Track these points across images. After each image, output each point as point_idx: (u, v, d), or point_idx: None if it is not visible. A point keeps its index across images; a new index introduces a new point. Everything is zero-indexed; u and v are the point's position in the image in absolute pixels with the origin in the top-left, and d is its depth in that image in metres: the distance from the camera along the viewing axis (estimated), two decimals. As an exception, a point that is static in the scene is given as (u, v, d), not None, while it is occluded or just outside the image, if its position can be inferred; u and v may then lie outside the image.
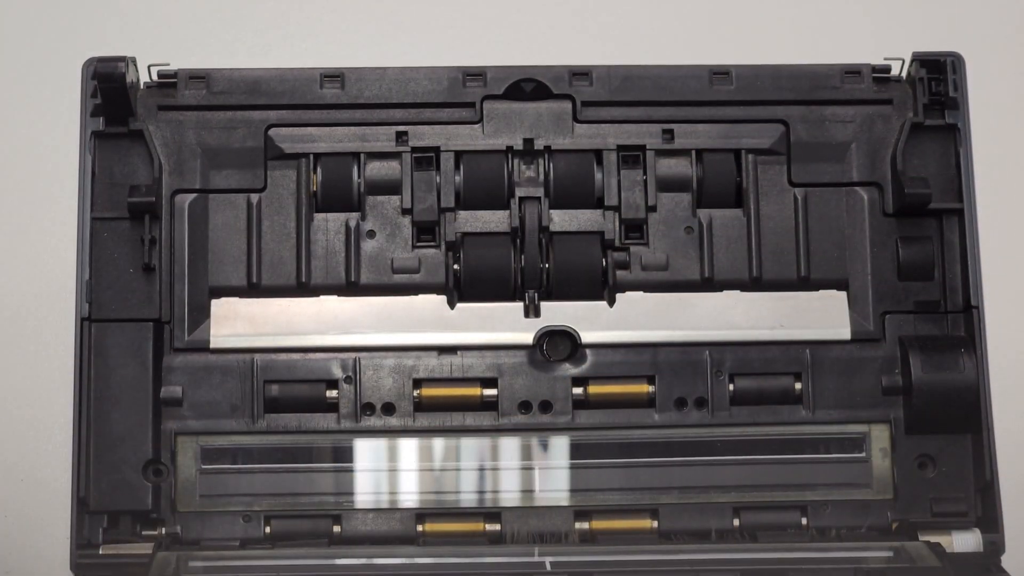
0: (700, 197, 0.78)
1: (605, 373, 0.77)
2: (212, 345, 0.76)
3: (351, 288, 0.77)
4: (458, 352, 0.77)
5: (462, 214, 0.78)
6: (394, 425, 0.77)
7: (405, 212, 0.78)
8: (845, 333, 0.77)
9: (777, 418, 0.77)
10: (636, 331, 0.77)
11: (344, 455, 0.76)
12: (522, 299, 0.77)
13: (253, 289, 0.77)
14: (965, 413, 0.76)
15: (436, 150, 0.78)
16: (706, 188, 0.78)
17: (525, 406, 0.77)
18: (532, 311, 0.77)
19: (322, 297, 0.77)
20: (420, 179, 0.78)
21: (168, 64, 0.78)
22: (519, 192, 0.77)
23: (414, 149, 0.78)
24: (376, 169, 0.78)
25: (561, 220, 0.78)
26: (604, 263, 0.77)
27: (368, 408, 0.77)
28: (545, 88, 0.77)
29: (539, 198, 0.77)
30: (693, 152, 0.78)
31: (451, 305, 0.77)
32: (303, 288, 0.77)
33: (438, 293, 0.77)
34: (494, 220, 0.77)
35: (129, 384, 0.75)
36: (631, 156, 0.79)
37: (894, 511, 0.76)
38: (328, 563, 0.72)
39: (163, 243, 0.76)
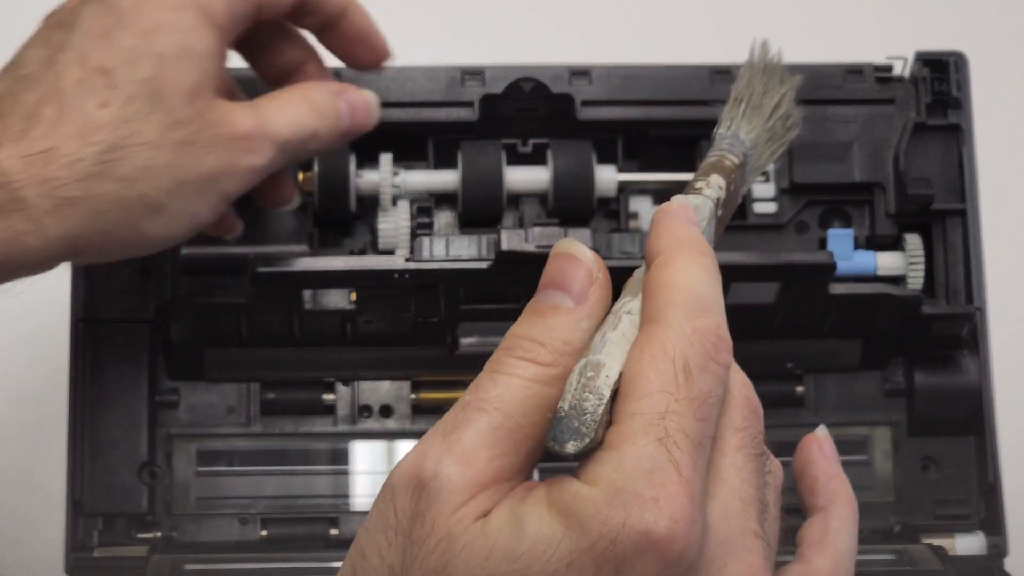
0: (701, 197, 0.78)
1: (605, 374, 0.76)
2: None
3: (349, 288, 0.76)
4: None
5: (461, 214, 0.77)
6: (392, 428, 0.77)
7: (403, 212, 0.77)
8: (847, 334, 0.77)
9: (779, 420, 0.76)
10: (636, 332, 0.76)
11: (341, 457, 0.76)
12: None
13: (250, 290, 0.76)
14: (968, 415, 0.76)
15: (435, 150, 0.77)
16: (707, 188, 0.78)
17: (524, 408, 0.76)
18: (531, 312, 0.76)
19: (319, 298, 0.76)
20: (418, 179, 0.77)
21: (165, 63, 0.77)
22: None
23: (412, 148, 0.77)
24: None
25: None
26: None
27: (365, 410, 0.76)
28: (544, 87, 0.77)
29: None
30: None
31: (450, 306, 0.76)
32: (300, 289, 0.76)
33: (436, 294, 0.76)
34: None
35: (124, 385, 0.75)
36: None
37: (896, 514, 0.76)
38: (325, 566, 0.72)
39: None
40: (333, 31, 0.68)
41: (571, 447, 0.47)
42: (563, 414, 0.47)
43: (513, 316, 0.74)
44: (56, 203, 0.58)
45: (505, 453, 0.48)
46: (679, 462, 0.46)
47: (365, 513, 0.75)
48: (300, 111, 0.65)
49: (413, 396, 0.76)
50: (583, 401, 0.47)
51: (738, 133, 0.58)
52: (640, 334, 0.49)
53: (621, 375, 0.48)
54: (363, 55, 0.69)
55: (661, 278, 0.50)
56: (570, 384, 0.48)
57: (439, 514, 0.47)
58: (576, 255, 0.51)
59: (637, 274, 0.52)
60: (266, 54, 0.69)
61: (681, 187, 0.78)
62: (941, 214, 0.77)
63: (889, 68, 0.78)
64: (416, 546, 0.47)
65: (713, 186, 0.56)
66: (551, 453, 0.47)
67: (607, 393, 0.47)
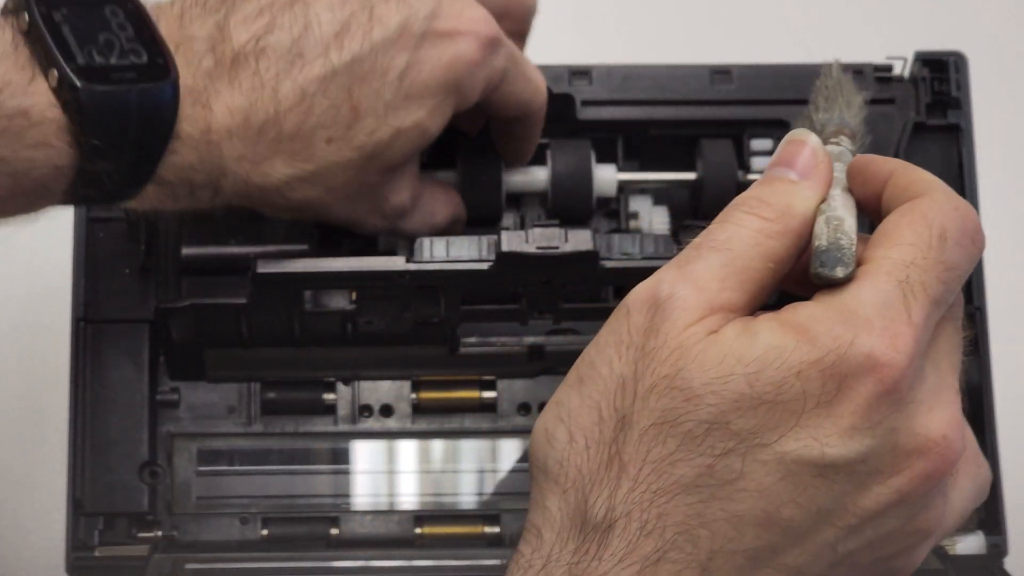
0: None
1: (605, 374, 0.76)
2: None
3: (348, 288, 0.76)
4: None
5: (461, 213, 0.77)
6: (392, 427, 0.77)
7: (403, 212, 0.77)
8: (847, 334, 0.77)
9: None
10: (636, 332, 0.76)
11: (341, 457, 0.76)
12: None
13: (250, 290, 0.76)
14: (968, 414, 0.75)
15: (434, 149, 0.77)
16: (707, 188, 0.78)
17: (524, 408, 0.76)
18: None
19: (319, 298, 0.76)
20: (419, 179, 0.77)
21: (165, 63, 0.77)
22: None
23: (412, 148, 0.77)
24: (374, 169, 0.77)
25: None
26: (605, 263, 0.77)
27: (366, 410, 0.76)
28: (544, 87, 0.77)
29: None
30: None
31: (450, 306, 0.76)
32: (300, 289, 0.76)
33: (437, 293, 0.76)
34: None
35: (125, 385, 0.74)
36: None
37: (896, 513, 0.76)
38: (325, 565, 0.72)
39: (159, 244, 0.76)
40: (508, 126, 0.72)
41: (840, 271, 0.50)
42: (824, 248, 0.51)
43: (514, 316, 0.75)
44: (235, 193, 0.63)
45: (733, 288, 0.51)
46: (912, 307, 0.49)
47: (366, 513, 0.75)
48: (447, 214, 0.71)
49: (413, 396, 0.76)
50: (838, 239, 0.51)
51: (844, 116, 0.60)
52: (901, 207, 0.52)
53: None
54: (511, 152, 0.74)
55: (918, 173, 0.54)
56: (820, 229, 0.52)
57: (673, 327, 0.50)
58: (804, 140, 0.55)
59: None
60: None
61: (681, 187, 0.78)
62: (941, 214, 0.77)
63: (889, 68, 0.78)
64: (648, 357, 0.50)
65: (845, 144, 0.58)
66: (818, 282, 0.51)
67: (854, 237, 0.52)
